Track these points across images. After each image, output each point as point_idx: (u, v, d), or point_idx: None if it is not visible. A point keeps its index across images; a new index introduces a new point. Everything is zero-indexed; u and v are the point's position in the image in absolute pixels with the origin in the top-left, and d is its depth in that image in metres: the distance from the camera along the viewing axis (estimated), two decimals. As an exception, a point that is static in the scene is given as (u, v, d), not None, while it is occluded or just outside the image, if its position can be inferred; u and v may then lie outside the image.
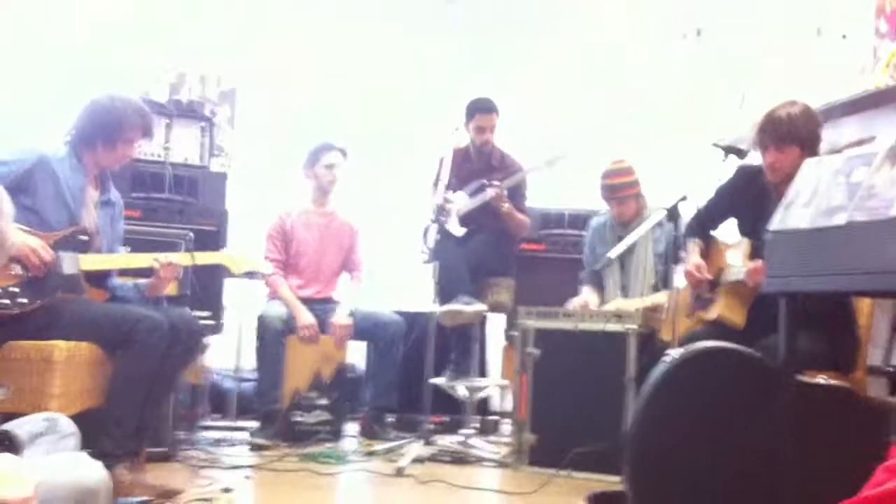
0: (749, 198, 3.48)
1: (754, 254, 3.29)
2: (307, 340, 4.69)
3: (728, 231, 3.72)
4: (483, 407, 5.11)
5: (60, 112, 3.70)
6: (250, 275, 4.72)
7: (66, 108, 3.61)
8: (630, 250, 4.12)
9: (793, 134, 3.24)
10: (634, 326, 3.83)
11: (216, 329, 4.60)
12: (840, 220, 2.31)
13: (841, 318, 3.14)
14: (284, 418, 4.61)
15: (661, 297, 4.07)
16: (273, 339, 4.65)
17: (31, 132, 4.75)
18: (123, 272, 3.58)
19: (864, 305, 3.20)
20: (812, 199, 2.48)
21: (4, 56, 5.62)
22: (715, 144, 3.63)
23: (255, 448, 4.36)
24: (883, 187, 2.24)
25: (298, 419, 4.63)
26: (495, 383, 5.06)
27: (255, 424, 4.62)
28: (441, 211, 4.43)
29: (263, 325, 4.68)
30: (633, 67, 6.40)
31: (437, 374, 4.50)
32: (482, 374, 5.07)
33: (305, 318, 4.72)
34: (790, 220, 2.52)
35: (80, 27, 5.90)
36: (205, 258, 3.72)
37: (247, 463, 3.96)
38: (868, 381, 3.17)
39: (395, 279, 5.79)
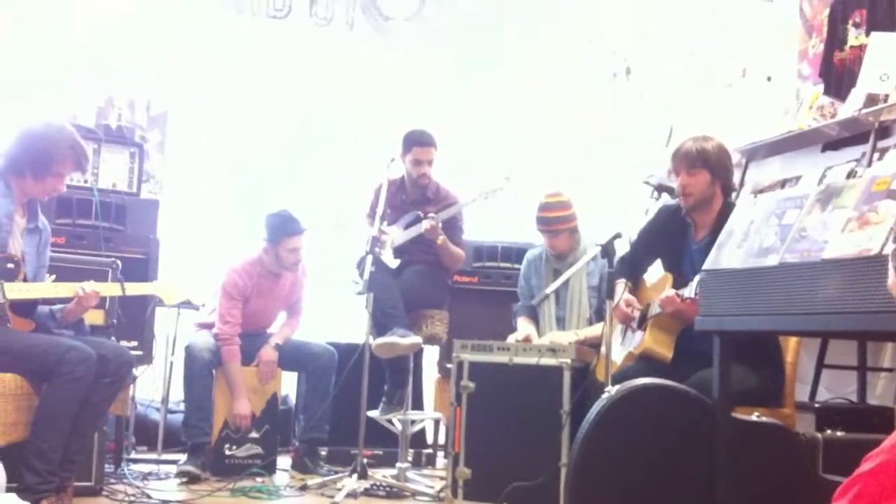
0: (670, 234, 3.58)
1: (676, 286, 3.36)
2: (239, 425, 4.61)
3: (655, 269, 3.80)
4: (417, 440, 5.08)
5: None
6: (183, 305, 4.65)
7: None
8: (565, 283, 4.16)
9: (703, 158, 3.37)
10: (569, 360, 3.86)
11: (145, 359, 4.50)
12: (772, 261, 2.39)
13: (769, 354, 3.23)
14: (214, 451, 4.52)
15: (596, 330, 4.12)
16: (201, 369, 4.57)
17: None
18: (48, 300, 3.49)
19: (791, 342, 3.30)
20: (745, 240, 2.55)
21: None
22: (645, 182, 3.71)
23: (184, 479, 4.26)
24: (814, 230, 2.32)
25: (229, 452, 4.56)
26: (430, 416, 5.04)
27: (182, 457, 4.52)
28: (376, 242, 4.42)
29: (191, 356, 4.59)
30: (568, 104, 6.51)
31: (371, 407, 4.47)
32: (416, 406, 5.05)
33: (242, 407, 4.61)
34: (723, 259, 2.60)
35: (7, 49, 5.77)
36: (136, 289, 3.67)
37: (176, 497, 3.87)
38: (796, 417, 3.26)
39: (330, 310, 5.75)
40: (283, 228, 4.73)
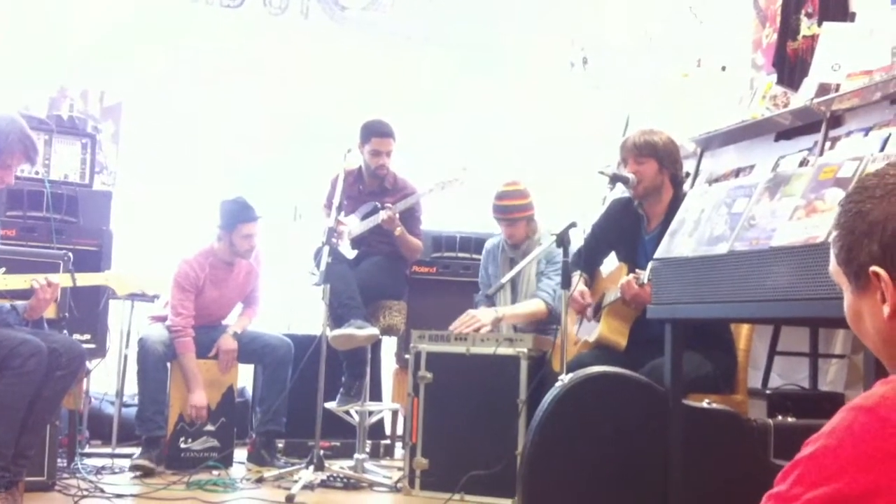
0: (623, 227, 3.62)
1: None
2: (195, 417, 4.56)
3: (610, 260, 3.83)
4: (375, 431, 5.07)
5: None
6: (136, 296, 4.60)
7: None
8: (520, 272, 4.18)
9: (650, 147, 3.45)
10: (525, 350, 3.88)
11: (99, 352, 4.44)
12: (722, 249, 2.41)
13: (721, 341, 3.27)
14: (170, 444, 4.48)
15: (517, 309, 4.30)
16: (155, 363, 4.52)
17: None
18: (1, 295, 3.43)
19: (743, 329, 3.34)
20: (696, 229, 2.57)
21: None
22: (601, 172, 3.73)
23: (139, 474, 4.21)
24: (762, 218, 2.34)
25: (184, 445, 4.51)
26: (388, 407, 5.03)
27: (137, 451, 4.47)
28: (333, 233, 4.39)
29: (145, 349, 4.53)
30: (526, 94, 6.52)
31: (329, 398, 4.45)
32: (375, 397, 5.04)
33: (199, 398, 4.55)
34: (675, 248, 2.62)
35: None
36: (87, 279, 3.61)
37: (131, 492, 3.82)
38: (749, 404, 3.30)
39: (287, 302, 5.71)
40: (238, 215, 4.69)
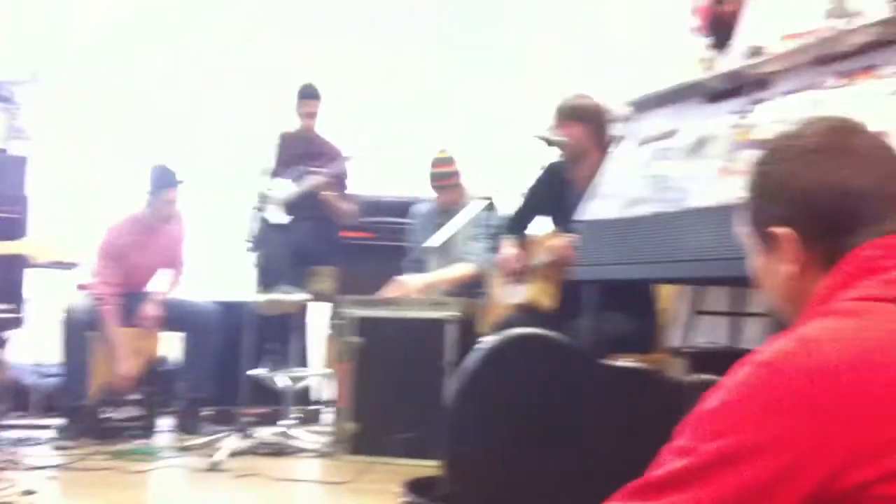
0: (554, 190, 3.63)
1: None
2: (121, 386, 4.47)
3: (545, 225, 3.84)
4: (305, 397, 5.04)
5: None
6: (57, 264, 4.50)
7: None
8: (451, 238, 4.18)
9: (576, 111, 3.49)
10: (453, 313, 3.88)
11: (17, 323, 4.32)
12: (642, 210, 2.41)
13: (643, 301, 3.31)
14: (92, 414, 4.39)
15: (447, 273, 4.30)
16: (78, 331, 4.45)
17: None
18: None
19: (665, 288, 3.37)
20: (616, 191, 2.57)
21: None
22: (537, 136, 3.72)
23: (61, 447, 4.13)
24: (682, 180, 2.35)
25: (107, 415, 4.43)
26: (316, 373, 5.00)
27: (60, 422, 4.39)
28: (264, 198, 4.35)
29: (68, 318, 4.46)
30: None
31: (256, 365, 4.41)
32: (303, 363, 5.00)
33: (124, 367, 4.48)
34: (596, 209, 2.62)
35: None
36: (3, 247, 3.50)
37: (50, 463, 3.73)
38: (670, 362, 3.33)
39: (215, 267, 5.62)
40: (159, 181, 4.64)
